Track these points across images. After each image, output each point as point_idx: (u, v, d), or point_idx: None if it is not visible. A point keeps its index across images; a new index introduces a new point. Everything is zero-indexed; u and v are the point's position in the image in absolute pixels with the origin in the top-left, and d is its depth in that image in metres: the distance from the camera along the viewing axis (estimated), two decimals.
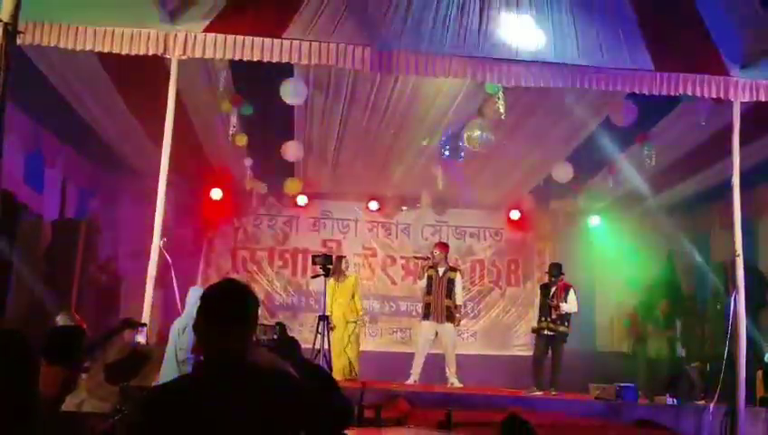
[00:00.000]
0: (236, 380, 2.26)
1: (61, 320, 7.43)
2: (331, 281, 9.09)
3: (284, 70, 7.38)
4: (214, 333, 2.30)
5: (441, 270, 9.03)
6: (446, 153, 9.28)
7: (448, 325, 8.94)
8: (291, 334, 2.54)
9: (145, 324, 4.75)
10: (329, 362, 7.71)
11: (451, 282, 8.96)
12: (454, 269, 9.25)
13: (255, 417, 2.18)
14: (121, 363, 3.67)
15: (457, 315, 9.06)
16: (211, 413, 2.16)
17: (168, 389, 2.38)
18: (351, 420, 2.57)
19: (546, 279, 9.24)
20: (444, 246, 9.38)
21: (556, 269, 9.11)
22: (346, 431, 2.76)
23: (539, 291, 9.18)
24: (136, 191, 9.74)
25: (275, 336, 2.61)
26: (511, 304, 11.77)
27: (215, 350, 2.30)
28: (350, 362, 8.75)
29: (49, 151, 8.79)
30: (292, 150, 9.27)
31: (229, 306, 2.33)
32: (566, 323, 8.80)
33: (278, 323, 2.67)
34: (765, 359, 7.74)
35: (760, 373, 7.42)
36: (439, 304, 8.91)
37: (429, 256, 9.27)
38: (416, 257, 10.13)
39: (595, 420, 6.06)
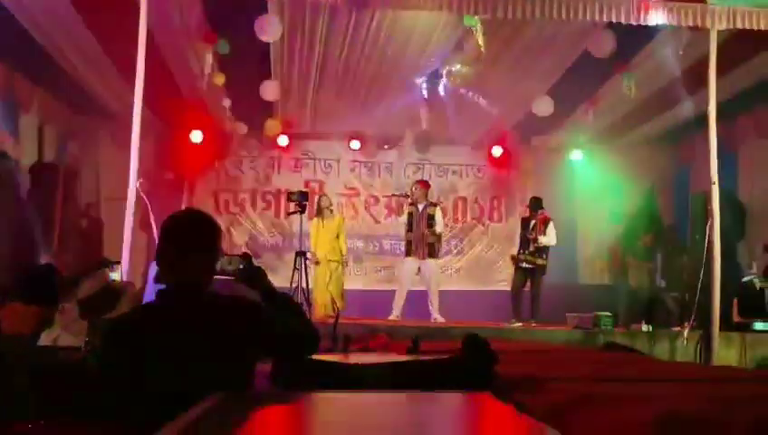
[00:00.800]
0: (196, 306, 2.29)
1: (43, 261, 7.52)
2: (316, 220, 9.16)
3: (258, 6, 7.28)
4: (174, 260, 2.33)
5: (421, 207, 9.08)
6: (429, 91, 9.24)
7: (430, 261, 9.04)
8: (274, 277, 2.55)
9: (119, 262, 4.78)
10: (307, 297, 7.79)
11: (431, 217, 9.02)
12: (434, 205, 9.30)
13: (215, 342, 2.22)
14: (95, 299, 3.71)
15: (438, 245, 9.14)
16: (170, 339, 2.20)
17: (130, 317, 2.42)
18: (317, 347, 2.59)
19: (527, 213, 9.31)
20: (424, 184, 9.41)
21: (536, 203, 9.17)
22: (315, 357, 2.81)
23: (519, 225, 9.27)
24: (114, 135, 9.68)
25: (241, 266, 2.61)
26: (494, 240, 11.84)
27: (176, 278, 2.33)
28: (332, 299, 8.82)
29: (23, 95, 8.66)
30: (270, 90, 9.17)
31: (189, 234, 2.36)
32: (544, 256, 8.90)
33: (244, 254, 2.67)
34: (745, 280, 7.85)
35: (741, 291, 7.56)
36: (420, 240, 8.98)
37: (409, 193, 9.31)
38: (394, 195, 10.20)
39: (567, 345, 6.18)
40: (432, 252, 9.04)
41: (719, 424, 1.38)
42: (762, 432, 1.30)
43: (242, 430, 1.53)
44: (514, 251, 9.25)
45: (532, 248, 8.89)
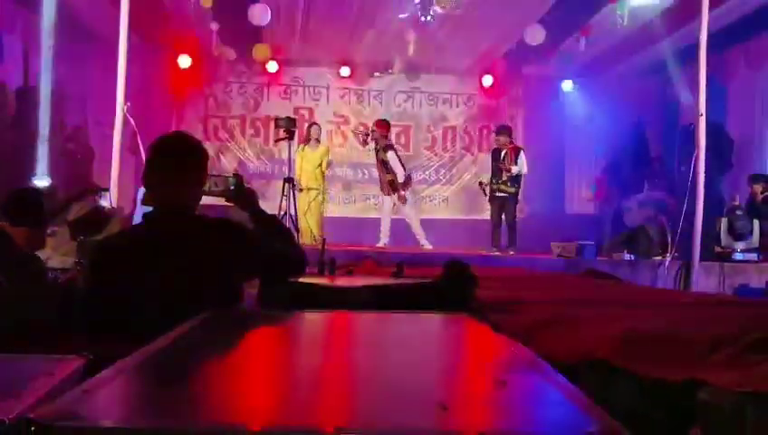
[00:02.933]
0: (181, 227, 2.32)
1: (36, 182, 7.56)
2: (302, 146, 9.15)
3: None
4: (160, 183, 2.35)
5: (379, 150, 9.09)
6: (419, 17, 9.12)
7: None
8: (263, 203, 2.59)
9: (107, 189, 4.79)
10: (295, 223, 7.85)
11: (385, 163, 9.04)
12: (387, 148, 9.15)
13: (200, 261, 2.26)
14: (84, 220, 3.74)
15: (401, 193, 9.06)
16: (155, 258, 2.24)
17: (116, 237, 2.47)
18: (303, 269, 2.65)
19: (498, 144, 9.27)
20: (381, 125, 9.25)
21: (506, 131, 9.16)
22: (299, 279, 2.87)
23: (491, 156, 9.29)
24: (101, 59, 9.51)
25: (232, 188, 2.64)
26: (482, 169, 11.82)
27: (161, 199, 2.36)
28: (310, 228, 8.86)
29: (6, 14, 8.47)
30: (258, 13, 9.02)
31: (174, 156, 2.36)
32: (516, 185, 8.93)
33: (235, 175, 2.70)
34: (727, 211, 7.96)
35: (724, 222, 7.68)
36: (384, 181, 9.10)
37: (372, 130, 9.27)
38: (354, 133, 10.18)
39: (549, 273, 6.28)
40: (396, 192, 9.07)
41: (681, 341, 1.45)
42: (719, 347, 1.38)
43: (228, 347, 1.60)
44: (486, 179, 9.28)
45: (504, 178, 8.92)
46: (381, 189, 9.30)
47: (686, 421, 1.08)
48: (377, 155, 9.14)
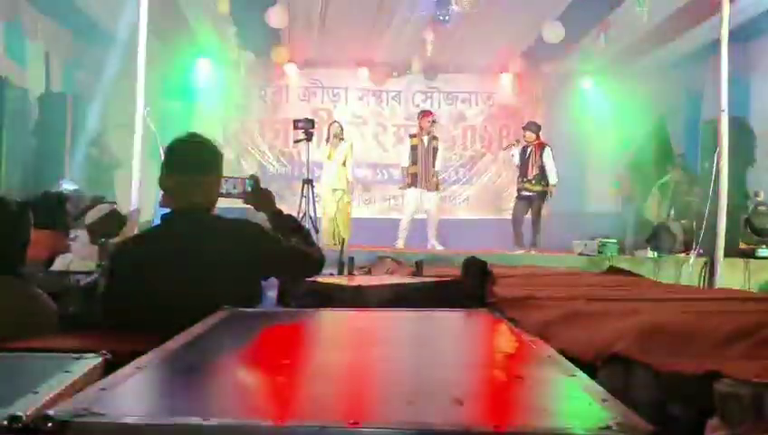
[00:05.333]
0: (198, 228, 2.33)
1: (64, 186, 7.66)
2: (326, 147, 9.17)
3: None
4: (175, 183, 2.36)
5: (426, 139, 9.07)
6: (437, 16, 9.12)
7: (434, 193, 9.12)
8: (282, 205, 2.60)
9: (114, 202, 4.89)
10: (314, 224, 7.85)
11: (436, 151, 9.08)
12: (436, 137, 9.29)
13: (217, 261, 2.27)
14: (102, 223, 3.78)
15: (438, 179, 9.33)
16: (172, 258, 2.25)
17: (134, 238, 2.49)
18: (321, 267, 2.65)
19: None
20: (430, 113, 9.41)
21: (533, 128, 9.07)
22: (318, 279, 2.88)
23: (519, 153, 9.22)
24: (121, 64, 9.60)
25: (250, 189, 2.65)
26: (502, 168, 11.79)
27: (177, 200, 2.37)
28: (338, 229, 8.86)
29: (29, 22, 8.58)
30: (276, 16, 9.05)
31: (188, 158, 2.38)
32: (543, 183, 8.86)
33: (251, 176, 2.71)
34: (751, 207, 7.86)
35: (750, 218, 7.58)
36: (426, 172, 9.04)
37: (420, 127, 9.25)
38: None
39: (568, 270, 6.24)
40: (437, 185, 9.22)
41: (699, 334, 1.44)
42: (737, 340, 1.36)
43: (247, 344, 1.61)
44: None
45: (530, 176, 8.85)
46: (418, 184, 9.07)
47: (704, 414, 1.07)
48: (424, 147, 9.07)
